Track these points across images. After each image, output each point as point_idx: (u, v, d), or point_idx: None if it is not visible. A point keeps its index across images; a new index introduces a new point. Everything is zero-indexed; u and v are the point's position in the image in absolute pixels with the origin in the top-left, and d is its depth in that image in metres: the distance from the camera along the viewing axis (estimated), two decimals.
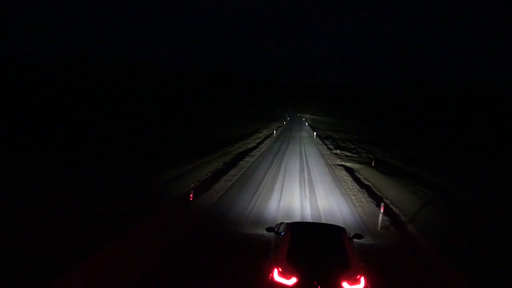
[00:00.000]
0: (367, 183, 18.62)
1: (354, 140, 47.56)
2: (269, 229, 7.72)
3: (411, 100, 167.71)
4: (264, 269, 6.13)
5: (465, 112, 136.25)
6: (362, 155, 31.47)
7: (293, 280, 5.48)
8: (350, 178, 19.59)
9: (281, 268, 5.66)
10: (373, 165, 24.70)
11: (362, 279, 5.58)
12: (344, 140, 47.18)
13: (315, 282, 5.39)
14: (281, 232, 7.08)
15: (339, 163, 25.56)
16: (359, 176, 20.63)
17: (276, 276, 5.62)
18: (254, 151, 29.73)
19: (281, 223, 8.21)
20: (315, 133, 50.30)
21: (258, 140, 39.32)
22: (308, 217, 12.07)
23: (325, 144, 38.49)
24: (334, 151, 32.54)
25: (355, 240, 7.30)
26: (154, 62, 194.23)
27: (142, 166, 19.05)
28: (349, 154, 31.12)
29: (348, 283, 5.45)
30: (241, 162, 23.28)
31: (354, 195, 15.74)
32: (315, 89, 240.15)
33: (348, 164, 25.12)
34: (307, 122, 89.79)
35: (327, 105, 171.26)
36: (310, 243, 6.34)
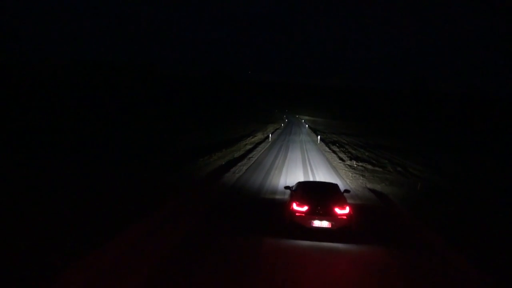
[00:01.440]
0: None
1: (365, 146, 38.19)
2: (286, 187, 10.95)
3: (410, 101, 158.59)
4: (286, 205, 9.33)
5: (467, 114, 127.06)
6: (388, 168, 22.12)
7: (305, 208, 8.31)
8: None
9: (298, 202, 8.48)
10: (418, 188, 15.38)
11: (347, 207, 8.40)
12: (354, 145, 37.78)
13: (319, 207, 8.26)
14: (294, 189, 10.01)
15: (364, 184, 16.19)
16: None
17: (295, 206, 8.43)
18: (240, 164, 20.41)
19: (292, 186, 10.72)
20: (318, 137, 40.83)
21: (248, 147, 29.94)
22: None
23: (333, 151, 29.10)
24: (348, 162, 23.17)
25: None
26: (150, 63, 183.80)
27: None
28: (370, 167, 21.76)
29: (338, 208, 8.26)
30: (213, 186, 13.91)
31: None
32: (313, 90, 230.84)
33: (379, 187, 15.75)
34: (306, 124, 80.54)
35: (326, 107, 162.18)
36: (315, 190, 9.35)
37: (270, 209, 10.79)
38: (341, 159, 24.50)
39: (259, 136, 42.22)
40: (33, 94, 73.68)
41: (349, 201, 9.48)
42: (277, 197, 12.71)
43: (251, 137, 40.09)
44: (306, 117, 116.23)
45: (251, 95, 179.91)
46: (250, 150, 27.26)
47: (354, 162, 22.83)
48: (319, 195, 8.83)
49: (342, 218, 8.15)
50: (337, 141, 40.66)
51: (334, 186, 9.76)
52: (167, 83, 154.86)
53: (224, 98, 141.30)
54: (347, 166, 21.53)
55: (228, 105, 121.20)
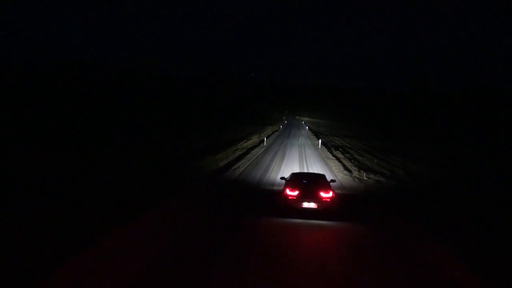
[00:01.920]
0: None
1: (371, 150, 33.82)
2: (282, 178, 11.60)
3: (411, 101, 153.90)
4: (281, 191, 10.30)
5: (467, 114, 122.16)
6: (407, 181, 17.75)
7: (296, 192, 9.51)
8: None
9: (290, 188, 9.71)
10: None
11: (331, 192, 9.67)
12: (359, 149, 33.43)
13: (308, 192, 9.46)
14: (288, 179, 10.88)
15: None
16: None
17: (288, 191, 9.62)
18: (221, 176, 16.11)
19: (287, 177, 11.53)
20: (320, 141, 36.47)
21: (238, 153, 25.65)
22: None
23: (337, 158, 24.78)
24: (356, 173, 18.83)
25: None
26: (148, 64, 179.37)
27: None
28: (384, 180, 17.41)
29: (323, 193, 9.50)
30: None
31: None
32: (314, 91, 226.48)
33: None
34: (306, 125, 76.33)
35: (327, 108, 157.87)
36: (305, 178, 10.46)
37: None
38: (347, 169, 20.12)
39: (254, 139, 37.95)
40: (32, 94, 70.05)
41: (336, 191, 10.66)
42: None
43: (244, 141, 35.82)
44: (307, 119, 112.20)
45: (250, 96, 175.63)
46: (239, 158, 22.94)
47: (364, 174, 18.46)
48: (308, 182, 10.13)
49: (327, 201, 9.47)
50: (340, 145, 36.33)
51: (322, 176, 11.28)
52: (165, 84, 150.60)
53: (223, 99, 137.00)
54: (356, 179, 17.20)
55: (227, 106, 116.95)
